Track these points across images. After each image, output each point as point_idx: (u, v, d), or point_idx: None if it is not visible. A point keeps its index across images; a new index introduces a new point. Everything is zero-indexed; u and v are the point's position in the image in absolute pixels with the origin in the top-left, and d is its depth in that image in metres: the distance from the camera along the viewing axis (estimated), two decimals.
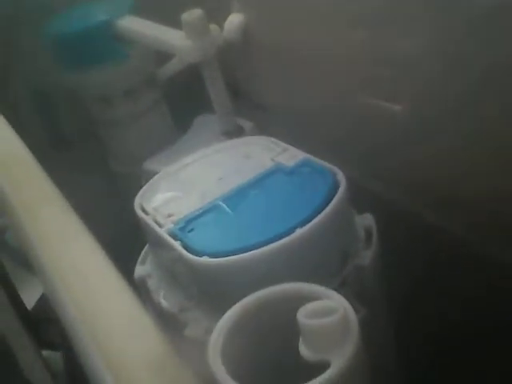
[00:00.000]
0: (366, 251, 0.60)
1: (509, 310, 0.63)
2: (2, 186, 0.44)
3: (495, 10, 0.55)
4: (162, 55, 0.89)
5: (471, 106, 0.61)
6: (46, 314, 0.75)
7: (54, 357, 0.81)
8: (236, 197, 0.62)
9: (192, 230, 0.59)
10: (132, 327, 0.30)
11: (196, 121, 0.97)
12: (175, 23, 0.82)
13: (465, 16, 0.57)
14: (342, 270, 0.58)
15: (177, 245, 0.57)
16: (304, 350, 0.45)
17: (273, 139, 0.70)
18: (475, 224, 0.65)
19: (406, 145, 0.69)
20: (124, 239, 0.73)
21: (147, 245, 0.67)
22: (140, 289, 0.63)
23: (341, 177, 0.60)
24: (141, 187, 0.67)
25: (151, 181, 0.68)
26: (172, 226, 0.59)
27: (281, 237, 0.54)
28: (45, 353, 0.80)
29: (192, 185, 0.66)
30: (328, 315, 0.44)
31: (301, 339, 0.45)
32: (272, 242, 0.54)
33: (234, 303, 0.49)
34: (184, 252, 0.56)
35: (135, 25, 0.92)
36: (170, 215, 0.61)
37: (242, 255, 0.54)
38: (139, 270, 0.65)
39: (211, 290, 0.57)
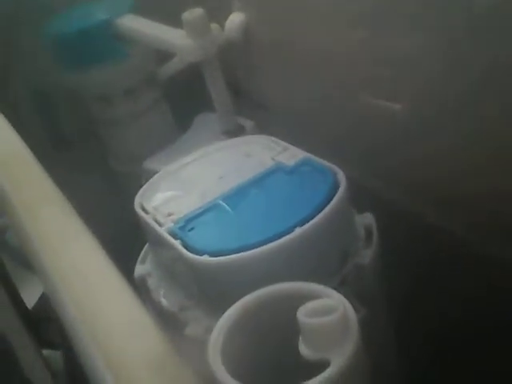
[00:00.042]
0: (365, 250, 0.60)
1: (509, 309, 0.63)
2: (3, 185, 0.44)
3: (495, 9, 0.55)
4: (163, 54, 0.89)
5: (471, 106, 0.61)
6: (46, 313, 0.75)
7: (54, 356, 0.81)
8: (236, 196, 0.62)
9: (192, 229, 0.59)
10: (132, 326, 0.30)
11: (196, 120, 0.97)
12: (176, 22, 0.82)
13: (465, 16, 0.57)
14: (341, 269, 0.58)
15: (177, 244, 0.57)
16: (304, 349, 0.45)
17: (273, 138, 0.70)
18: (475, 223, 0.65)
19: (406, 144, 0.69)
20: (124, 238, 0.73)
21: (147, 244, 0.67)
22: (140, 288, 0.64)
23: (341, 176, 0.60)
24: (141, 186, 0.67)
25: (151, 180, 0.68)
26: (172, 225, 0.60)
27: (281, 236, 0.54)
28: (45, 352, 0.80)
29: (192, 184, 0.66)
30: (328, 314, 0.44)
31: (301, 338, 0.45)
32: (272, 241, 0.54)
33: (234, 302, 0.49)
34: (184, 251, 0.56)
35: (135, 24, 0.92)
36: (170, 214, 0.61)
37: (242, 254, 0.54)
38: (139, 269, 0.65)
39: (211, 289, 0.57)
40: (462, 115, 0.62)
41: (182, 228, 0.59)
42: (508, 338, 0.64)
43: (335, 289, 0.48)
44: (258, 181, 0.63)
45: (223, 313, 0.49)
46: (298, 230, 0.55)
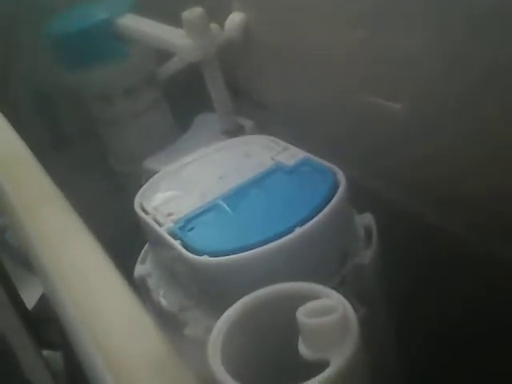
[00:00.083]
0: (365, 250, 0.60)
1: (509, 309, 0.63)
2: (2, 185, 0.44)
3: (495, 9, 0.55)
4: (163, 54, 0.89)
5: (471, 106, 0.61)
6: (46, 313, 0.75)
7: (54, 356, 0.81)
8: (236, 196, 0.62)
9: (192, 229, 0.59)
10: (132, 327, 0.30)
11: (196, 120, 0.97)
12: (176, 22, 0.82)
13: (465, 16, 0.57)
14: (341, 270, 0.58)
15: (177, 244, 0.57)
16: (303, 349, 0.45)
17: (273, 138, 0.70)
18: (475, 223, 0.65)
19: (406, 144, 0.69)
20: (124, 238, 0.73)
21: (147, 244, 0.67)
22: (140, 288, 0.64)
23: (341, 176, 0.60)
24: (141, 186, 0.67)
25: (151, 180, 0.68)
26: (172, 225, 0.60)
27: (280, 236, 0.54)
28: (45, 352, 0.80)
29: (192, 184, 0.66)
30: (327, 314, 0.44)
31: (300, 338, 0.45)
32: (272, 241, 0.54)
33: (234, 302, 0.49)
34: (184, 251, 0.56)
35: (135, 23, 0.92)
36: (169, 214, 0.61)
37: (241, 254, 0.54)
38: (139, 269, 0.65)
39: (211, 289, 0.57)
40: (462, 115, 0.62)
41: (181, 228, 0.59)
42: (508, 337, 0.64)
43: (335, 289, 0.48)
44: (258, 181, 0.63)
45: (223, 313, 0.49)
46: (298, 230, 0.55)
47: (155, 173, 0.69)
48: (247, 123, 0.89)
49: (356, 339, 0.44)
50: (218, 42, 0.84)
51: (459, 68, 0.60)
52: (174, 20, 0.82)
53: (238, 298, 0.49)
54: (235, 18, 0.87)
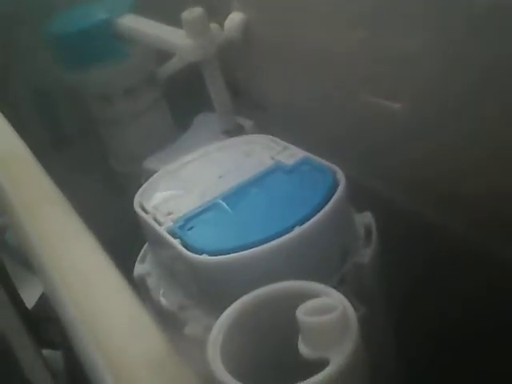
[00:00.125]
0: (365, 249, 0.60)
1: (509, 308, 0.63)
2: (2, 184, 0.44)
3: (495, 9, 0.55)
4: (163, 54, 0.89)
5: (471, 105, 0.61)
6: (46, 313, 0.75)
7: (54, 356, 0.81)
8: (236, 195, 0.62)
9: (191, 228, 0.59)
10: (132, 326, 0.30)
11: (196, 119, 0.97)
12: (175, 22, 0.82)
13: (465, 16, 0.57)
14: (341, 268, 0.58)
15: (176, 243, 0.57)
16: (303, 348, 0.45)
17: (273, 138, 0.70)
18: (475, 222, 0.65)
19: (405, 143, 0.69)
20: (124, 238, 0.73)
21: (147, 243, 0.67)
22: (139, 287, 0.64)
23: (340, 175, 0.60)
24: (141, 186, 0.67)
25: (151, 179, 0.68)
26: (171, 224, 0.60)
27: (280, 235, 0.54)
28: (45, 352, 0.80)
29: (192, 183, 0.66)
30: (327, 313, 0.44)
31: (300, 337, 0.45)
32: (271, 240, 0.54)
33: (234, 301, 0.49)
34: (183, 250, 0.56)
35: (135, 23, 0.92)
36: (169, 213, 0.61)
37: (241, 253, 0.54)
38: (139, 269, 0.65)
39: (211, 288, 0.57)
40: (462, 115, 0.62)
41: (181, 227, 0.59)
42: (508, 337, 0.64)
43: (335, 288, 0.48)
44: (258, 180, 0.63)
45: (222, 312, 0.49)
46: (298, 229, 0.55)
47: (155, 172, 0.69)
48: (247, 123, 0.89)
49: (356, 338, 0.44)
50: (217, 41, 0.84)
51: (459, 68, 0.60)
52: (174, 20, 0.82)
53: (238, 297, 0.49)
54: (235, 18, 0.87)
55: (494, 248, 0.65)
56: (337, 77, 0.76)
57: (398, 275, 0.65)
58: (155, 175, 0.69)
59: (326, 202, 0.57)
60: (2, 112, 0.56)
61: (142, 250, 0.67)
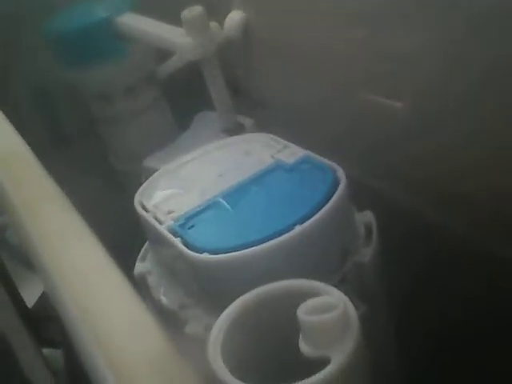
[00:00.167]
0: (366, 248, 0.60)
1: (509, 308, 0.63)
2: (2, 183, 0.44)
3: (495, 9, 0.55)
4: (162, 52, 0.89)
5: (471, 103, 0.61)
6: (46, 311, 0.75)
7: (55, 355, 0.81)
8: (236, 194, 0.62)
9: (192, 226, 0.59)
10: (133, 326, 0.30)
11: (196, 118, 0.97)
12: (175, 20, 0.82)
13: (465, 16, 0.57)
14: (341, 267, 0.58)
15: (177, 242, 0.57)
16: (304, 347, 0.45)
17: (273, 136, 0.70)
18: (476, 222, 0.65)
19: (406, 142, 0.69)
20: (124, 236, 0.73)
21: (147, 242, 0.67)
22: (140, 286, 0.64)
23: (341, 174, 0.60)
24: (141, 184, 0.67)
25: (151, 178, 0.68)
26: (172, 222, 0.59)
27: (281, 234, 0.54)
28: (45, 351, 0.80)
29: (192, 182, 0.66)
30: (328, 311, 0.44)
31: (301, 336, 0.45)
32: (272, 239, 0.54)
33: (234, 300, 0.49)
34: (184, 249, 0.56)
35: (135, 22, 0.92)
36: (170, 212, 0.61)
37: (241, 252, 0.54)
38: (139, 267, 0.65)
39: (211, 287, 0.57)
40: (463, 113, 0.62)
41: (181, 226, 0.59)
42: (508, 337, 0.64)
43: (335, 286, 0.48)
44: (258, 179, 0.63)
45: (223, 311, 0.49)
46: (298, 228, 0.54)
47: (155, 171, 0.69)
48: (247, 121, 0.89)
49: (357, 336, 0.44)
50: (217, 40, 0.84)
51: (459, 68, 0.60)
52: (174, 19, 0.82)
53: (239, 296, 0.49)
54: (235, 17, 0.87)
55: (494, 248, 0.64)
56: (337, 75, 0.76)
57: (397, 274, 0.65)
58: (155, 174, 0.69)
59: (327, 201, 0.57)
60: (2, 110, 0.56)
61: (143, 249, 0.67)
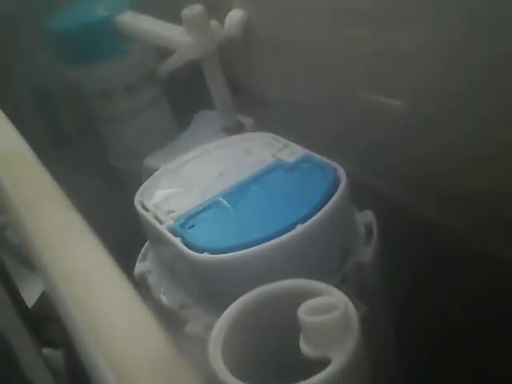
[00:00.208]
0: (366, 248, 0.60)
1: (509, 307, 0.63)
2: (2, 182, 0.44)
3: (495, 9, 0.55)
4: (163, 51, 0.89)
5: (471, 103, 0.61)
6: (46, 311, 0.75)
7: (55, 355, 0.81)
8: (236, 193, 0.62)
9: (192, 226, 0.59)
10: (134, 326, 0.29)
11: (196, 117, 0.97)
12: (176, 19, 0.82)
13: (465, 16, 0.57)
14: (342, 267, 0.58)
15: (177, 241, 0.57)
16: (305, 347, 0.45)
17: (273, 135, 0.70)
18: (476, 220, 0.65)
19: (406, 141, 0.69)
20: (124, 236, 0.73)
21: (147, 241, 0.67)
22: (140, 285, 0.63)
23: (341, 173, 0.60)
24: (141, 184, 0.67)
25: (151, 177, 0.68)
26: (172, 222, 0.59)
27: (281, 233, 0.54)
28: (45, 351, 0.79)
29: (192, 181, 0.66)
30: (328, 312, 0.44)
31: (301, 336, 0.45)
32: (272, 239, 0.54)
33: (235, 300, 0.49)
34: (184, 248, 0.56)
35: (135, 21, 0.92)
36: (170, 211, 0.61)
37: (242, 251, 0.54)
38: (139, 267, 0.65)
39: (211, 287, 0.57)
40: (463, 112, 0.62)
41: (182, 225, 0.59)
42: (508, 337, 0.64)
43: (336, 286, 0.48)
44: (259, 178, 0.63)
45: (223, 310, 0.49)
46: (299, 228, 0.54)
47: (155, 170, 0.69)
48: (247, 120, 0.89)
49: (357, 337, 0.44)
50: (217, 39, 0.84)
51: (459, 68, 0.60)
52: (174, 17, 0.82)
53: (239, 296, 0.49)
54: (235, 15, 0.87)
55: (494, 247, 0.64)
56: (337, 74, 0.76)
57: (398, 274, 0.65)
58: (156, 173, 0.69)
59: (327, 200, 0.57)
60: (2, 109, 0.56)
61: (143, 249, 0.67)
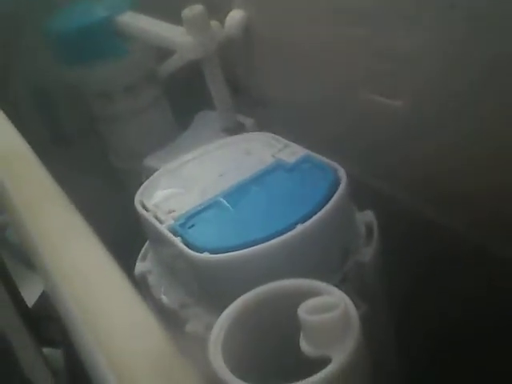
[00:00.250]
0: (366, 248, 0.60)
1: (509, 307, 0.63)
2: (3, 182, 0.44)
3: (495, 9, 0.55)
4: (163, 51, 0.89)
5: (471, 103, 0.61)
6: (46, 311, 0.75)
7: (55, 354, 0.81)
8: (236, 193, 0.62)
9: (192, 226, 0.59)
10: (134, 326, 0.29)
11: (196, 117, 0.97)
12: (176, 19, 0.82)
13: (465, 16, 0.57)
14: (342, 267, 0.58)
15: (177, 241, 0.57)
16: (305, 346, 0.45)
17: (273, 135, 0.70)
18: (476, 221, 0.65)
19: (406, 141, 0.69)
20: (124, 236, 0.73)
21: (148, 241, 0.67)
22: (140, 285, 0.63)
23: (342, 173, 0.60)
24: (141, 184, 0.67)
25: (151, 177, 0.68)
26: (172, 222, 0.59)
27: (281, 233, 0.54)
28: (45, 350, 0.79)
29: (192, 181, 0.66)
30: (329, 311, 0.44)
31: (301, 335, 0.45)
32: (273, 238, 0.54)
33: (235, 299, 0.49)
34: (184, 248, 0.56)
35: (136, 21, 0.92)
36: (170, 211, 0.61)
37: (242, 251, 0.54)
38: (140, 267, 0.65)
39: (212, 286, 0.57)
40: (462, 114, 0.62)
41: (182, 225, 0.59)
42: (508, 337, 0.64)
43: (336, 286, 0.48)
44: (259, 178, 0.63)
45: (224, 310, 0.49)
46: (299, 228, 0.54)
47: (155, 170, 0.69)
48: (247, 121, 0.89)
49: (357, 336, 0.44)
50: (218, 39, 0.84)
51: (459, 68, 0.60)
52: (175, 17, 0.82)
53: (239, 295, 0.49)
54: (235, 16, 0.87)
55: (494, 247, 0.64)
56: (338, 74, 0.76)
57: (398, 273, 0.65)
58: (156, 173, 0.69)
59: (328, 200, 0.57)
60: (3, 110, 0.56)
61: (143, 248, 0.67)
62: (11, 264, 0.80)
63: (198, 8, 0.80)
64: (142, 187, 0.66)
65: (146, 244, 0.67)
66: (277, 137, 0.69)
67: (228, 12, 0.88)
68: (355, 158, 0.70)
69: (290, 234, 0.54)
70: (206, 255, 0.55)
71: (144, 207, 0.63)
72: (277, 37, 0.84)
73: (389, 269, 0.62)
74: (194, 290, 0.58)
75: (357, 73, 0.73)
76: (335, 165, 0.61)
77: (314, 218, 0.55)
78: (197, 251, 0.55)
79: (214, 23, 0.83)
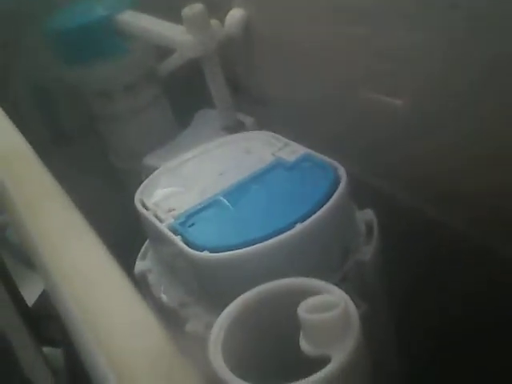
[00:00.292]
0: (366, 246, 0.60)
1: (509, 304, 0.63)
2: (3, 181, 0.44)
3: (495, 9, 0.55)
4: (163, 50, 0.89)
5: (472, 102, 0.61)
6: (46, 310, 0.75)
7: (55, 354, 0.81)
8: (236, 192, 0.62)
9: (192, 224, 0.59)
10: (134, 324, 0.29)
11: (196, 116, 0.97)
12: (176, 18, 0.82)
13: (465, 15, 0.57)
14: (342, 265, 0.58)
15: (177, 240, 0.57)
16: (305, 345, 0.45)
17: (273, 134, 0.70)
18: (476, 219, 0.65)
19: (406, 140, 0.69)
20: (124, 234, 0.73)
21: (147, 240, 0.67)
22: (140, 284, 0.63)
23: (342, 172, 0.60)
24: (141, 183, 0.67)
25: (151, 176, 0.68)
26: (172, 220, 0.59)
27: (281, 232, 0.54)
28: (45, 350, 0.79)
29: (192, 180, 0.66)
30: (329, 310, 0.44)
31: (301, 334, 0.45)
32: (272, 237, 0.54)
33: (235, 298, 0.49)
34: (184, 247, 0.56)
35: (136, 20, 0.92)
36: (170, 210, 0.61)
37: (242, 250, 0.54)
38: (140, 265, 0.65)
39: (212, 285, 0.57)
40: (463, 111, 0.62)
41: (182, 224, 0.59)
42: (508, 334, 0.64)
43: (336, 285, 0.48)
44: (259, 177, 0.63)
45: (223, 309, 0.49)
46: (299, 226, 0.54)
47: (155, 169, 0.69)
48: (247, 119, 0.89)
49: (357, 335, 0.44)
50: (218, 38, 0.84)
51: (459, 68, 0.60)
52: (175, 16, 0.82)
53: (239, 294, 0.49)
54: (235, 14, 0.87)
55: (495, 245, 0.64)
56: (338, 73, 0.76)
57: (399, 272, 0.65)
58: (156, 172, 0.69)
59: (328, 199, 0.57)
60: (3, 108, 0.56)
61: (143, 247, 0.67)
62: (11, 263, 0.80)
63: (198, 7, 0.80)
64: (141, 186, 0.66)
65: (146, 243, 0.67)
66: (277, 135, 0.69)
67: (228, 11, 0.88)
68: (355, 156, 0.70)
69: (289, 232, 0.54)
70: (205, 254, 0.55)
71: (144, 206, 0.63)
72: (277, 35, 0.84)
73: (389, 267, 0.62)
74: (193, 289, 0.58)
75: (357, 72, 0.73)
76: (335, 163, 0.61)
77: (314, 216, 0.55)
78: (197, 250, 0.55)
79: (213, 22, 0.83)
